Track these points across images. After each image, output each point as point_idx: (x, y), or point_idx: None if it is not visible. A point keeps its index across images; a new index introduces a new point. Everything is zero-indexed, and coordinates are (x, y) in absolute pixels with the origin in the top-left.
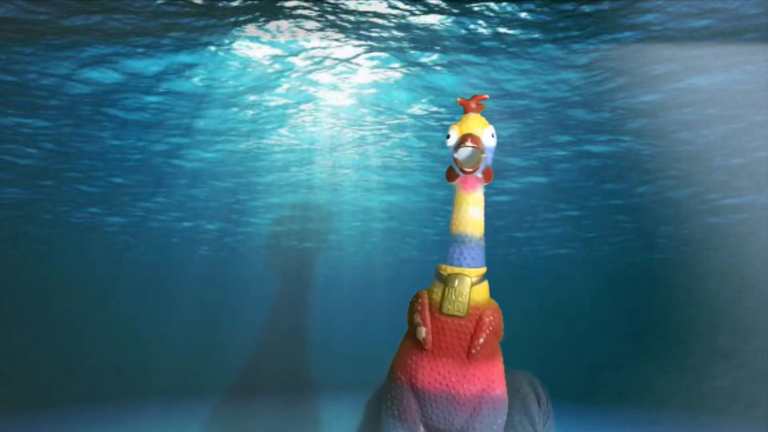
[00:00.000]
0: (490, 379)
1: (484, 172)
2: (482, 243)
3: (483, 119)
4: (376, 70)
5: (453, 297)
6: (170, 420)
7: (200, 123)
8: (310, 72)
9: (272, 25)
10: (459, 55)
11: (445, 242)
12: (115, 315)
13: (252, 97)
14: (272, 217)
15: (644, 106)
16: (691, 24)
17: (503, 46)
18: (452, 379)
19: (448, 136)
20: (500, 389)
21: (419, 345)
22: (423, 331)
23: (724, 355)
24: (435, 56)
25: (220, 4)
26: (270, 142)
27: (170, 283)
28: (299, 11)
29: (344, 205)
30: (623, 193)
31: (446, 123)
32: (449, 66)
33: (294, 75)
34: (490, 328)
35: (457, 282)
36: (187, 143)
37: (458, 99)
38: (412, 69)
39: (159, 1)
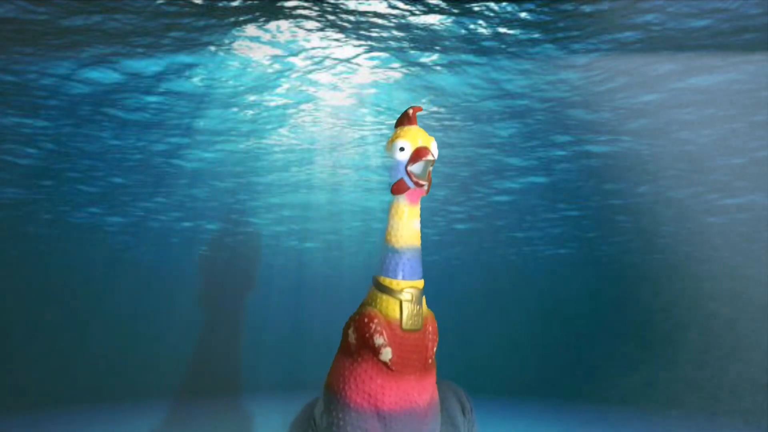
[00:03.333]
0: (435, 385)
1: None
2: (421, 254)
3: (424, 131)
4: (376, 70)
5: (414, 312)
6: (170, 420)
7: (200, 123)
8: (310, 72)
9: (272, 25)
10: (459, 55)
11: (446, 242)
12: (115, 315)
13: (252, 97)
14: (272, 217)
15: (644, 106)
16: (691, 24)
17: (503, 46)
18: (414, 395)
19: (402, 149)
20: (437, 393)
21: (380, 367)
22: (389, 352)
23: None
24: (435, 56)
25: (220, 4)
26: (270, 142)
27: (170, 283)
28: (299, 11)
29: (344, 205)
30: (623, 193)
31: (446, 123)
32: (449, 66)
33: (294, 75)
34: (437, 336)
35: (413, 296)
36: (187, 143)
37: (412, 110)
38: (412, 69)
39: (159, 1)
